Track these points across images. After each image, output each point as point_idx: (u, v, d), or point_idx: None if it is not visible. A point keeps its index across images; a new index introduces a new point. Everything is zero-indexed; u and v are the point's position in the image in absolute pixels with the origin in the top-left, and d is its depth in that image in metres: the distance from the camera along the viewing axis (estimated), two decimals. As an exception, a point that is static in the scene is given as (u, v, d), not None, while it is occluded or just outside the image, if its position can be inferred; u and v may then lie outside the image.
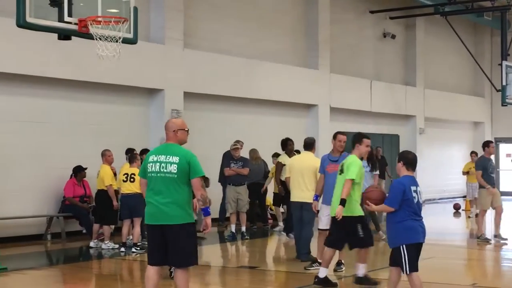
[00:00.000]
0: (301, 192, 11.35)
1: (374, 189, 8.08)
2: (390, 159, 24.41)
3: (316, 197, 10.76)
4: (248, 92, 19.14)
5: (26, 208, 14.35)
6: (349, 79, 23.09)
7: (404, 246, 7.47)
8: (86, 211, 14.53)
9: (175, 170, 7.14)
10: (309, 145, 11.63)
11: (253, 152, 16.66)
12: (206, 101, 18.28)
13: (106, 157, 13.32)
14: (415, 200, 7.50)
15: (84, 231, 14.60)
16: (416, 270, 7.55)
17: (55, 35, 9.65)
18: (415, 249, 7.54)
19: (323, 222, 10.54)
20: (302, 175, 11.35)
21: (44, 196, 14.73)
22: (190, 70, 17.37)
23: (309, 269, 10.64)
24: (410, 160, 7.62)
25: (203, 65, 17.79)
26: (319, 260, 10.36)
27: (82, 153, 14.95)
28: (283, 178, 13.79)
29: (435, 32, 27.53)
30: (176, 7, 17.15)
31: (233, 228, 14.93)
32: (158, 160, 7.22)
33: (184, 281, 7.20)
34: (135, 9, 9.83)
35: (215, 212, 17.42)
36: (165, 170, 7.17)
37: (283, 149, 14.89)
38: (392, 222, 7.60)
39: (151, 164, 7.25)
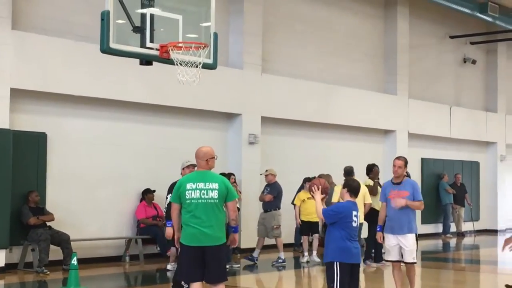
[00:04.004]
0: None
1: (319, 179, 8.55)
2: (470, 186, 23.93)
3: (380, 228, 10.14)
4: (325, 117, 19.08)
5: (105, 230, 14.61)
6: (428, 104, 22.77)
7: (337, 263, 7.93)
8: (160, 230, 14.49)
9: (216, 195, 7.76)
10: (349, 172, 13.09)
11: (327, 177, 16.51)
12: (283, 126, 18.30)
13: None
14: (354, 224, 8.02)
15: (158, 248, 14.72)
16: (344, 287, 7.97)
17: (136, 61, 9.80)
18: (348, 269, 7.97)
19: (393, 253, 9.91)
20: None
21: (122, 218, 14.96)
22: (267, 94, 17.45)
23: None
24: (354, 189, 8.18)
25: (280, 90, 17.85)
26: None
27: (160, 176, 15.09)
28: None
29: (517, 57, 26.92)
30: (255, 32, 17.29)
31: (255, 253, 14.79)
32: (198, 187, 7.78)
33: None
34: (215, 34, 9.89)
35: (291, 237, 17.38)
36: (206, 197, 7.74)
37: (367, 174, 14.97)
38: (330, 240, 8.06)
39: (189, 191, 7.77)
